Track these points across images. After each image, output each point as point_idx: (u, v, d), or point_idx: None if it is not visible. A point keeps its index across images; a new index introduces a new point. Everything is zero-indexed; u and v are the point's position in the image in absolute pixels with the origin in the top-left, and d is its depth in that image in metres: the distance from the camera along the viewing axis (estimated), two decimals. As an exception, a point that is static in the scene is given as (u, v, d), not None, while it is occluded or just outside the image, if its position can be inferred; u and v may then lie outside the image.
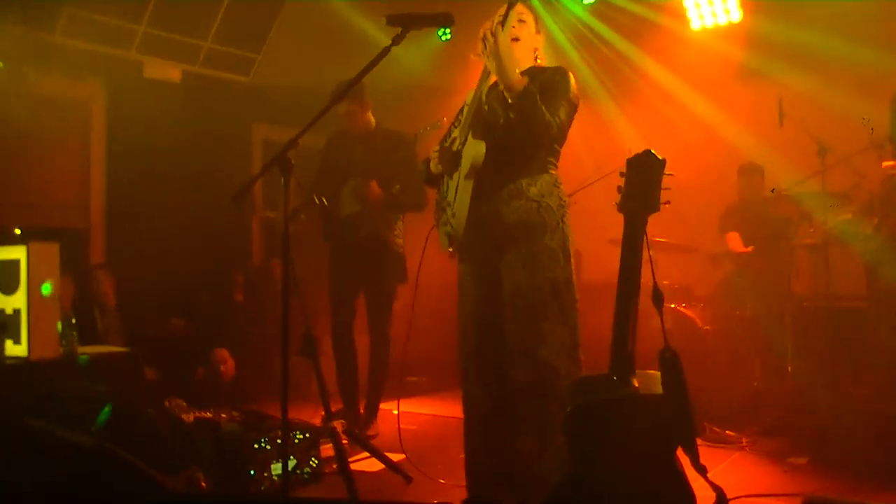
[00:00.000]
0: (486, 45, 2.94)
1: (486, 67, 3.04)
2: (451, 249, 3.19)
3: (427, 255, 3.36)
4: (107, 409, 3.15)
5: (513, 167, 3.07)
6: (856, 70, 5.38)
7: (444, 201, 3.22)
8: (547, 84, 3.06)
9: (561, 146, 3.18)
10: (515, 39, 3.14)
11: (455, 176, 3.13)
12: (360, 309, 5.07)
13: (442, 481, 3.74)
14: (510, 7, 3.08)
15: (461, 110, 3.30)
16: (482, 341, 3.15)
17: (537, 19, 3.30)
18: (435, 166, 3.26)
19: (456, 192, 3.10)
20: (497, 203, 3.06)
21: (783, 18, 5.90)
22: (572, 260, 3.09)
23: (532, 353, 2.95)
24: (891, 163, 4.16)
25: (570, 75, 3.13)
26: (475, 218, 3.04)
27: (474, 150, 3.02)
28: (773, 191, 5.21)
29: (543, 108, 2.92)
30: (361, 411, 5.00)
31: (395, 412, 5.55)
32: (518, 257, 3.01)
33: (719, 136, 6.17)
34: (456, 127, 3.28)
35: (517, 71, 2.95)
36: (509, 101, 2.94)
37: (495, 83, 3.11)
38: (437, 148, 3.29)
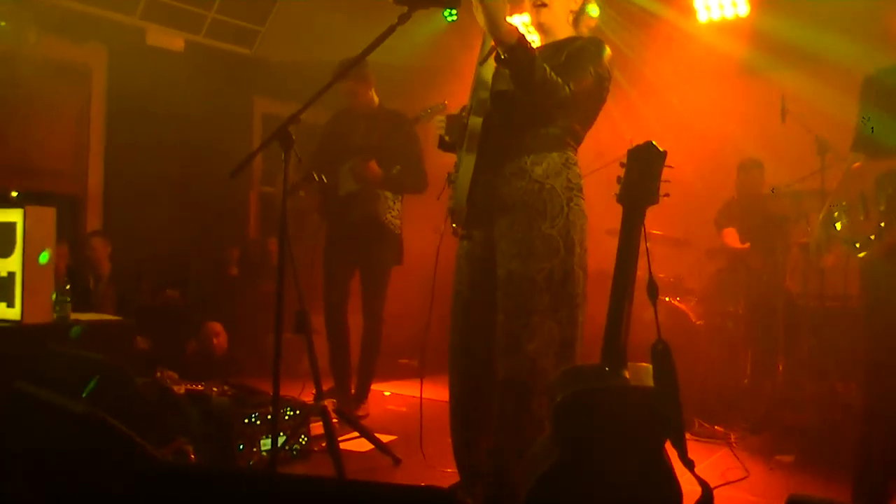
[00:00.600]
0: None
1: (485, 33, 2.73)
2: (454, 225, 2.95)
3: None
4: (94, 379, 3.15)
5: (515, 140, 2.82)
6: (860, 69, 5.36)
7: (452, 175, 2.99)
8: (574, 52, 2.80)
9: (583, 125, 2.92)
10: (542, 5, 2.90)
11: (461, 149, 2.93)
12: (354, 288, 5.07)
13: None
14: None
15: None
16: (470, 330, 2.96)
17: None
18: (445, 133, 3.07)
19: (459, 166, 2.92)
20: (498, 182, 2.82)
21: (790, 15, 5.87)
22: (578, 250, 2.81)
23: (518, 347, 2.75)
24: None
25: (605, 46, 2.84)
26: (476, 196, 2.83)
27: (472, 123, 2.85)
28: (773, 190, 5.21)
29: (546, 66, 2.62)
30: (353, 391, 5.01)
31: (387, 393, 5.59)
32: (513, 243, 2.79)
33: (720, 131, 6.15)
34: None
35: (504, 19, 2.58)
36: (502, 56, 2.60)
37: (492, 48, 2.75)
38: (441, 116, 3.13)
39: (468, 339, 2.96)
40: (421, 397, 3.42)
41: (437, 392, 5.70)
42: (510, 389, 2.79)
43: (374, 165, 4.75)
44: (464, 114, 3.00)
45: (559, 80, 2.65)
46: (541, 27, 3.01)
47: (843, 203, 3.34)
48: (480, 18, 2.61)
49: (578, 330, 2.82)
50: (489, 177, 2.83)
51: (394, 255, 4.98)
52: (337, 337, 4.96)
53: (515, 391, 2.76)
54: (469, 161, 2.84)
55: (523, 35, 2.62)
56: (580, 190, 2.86)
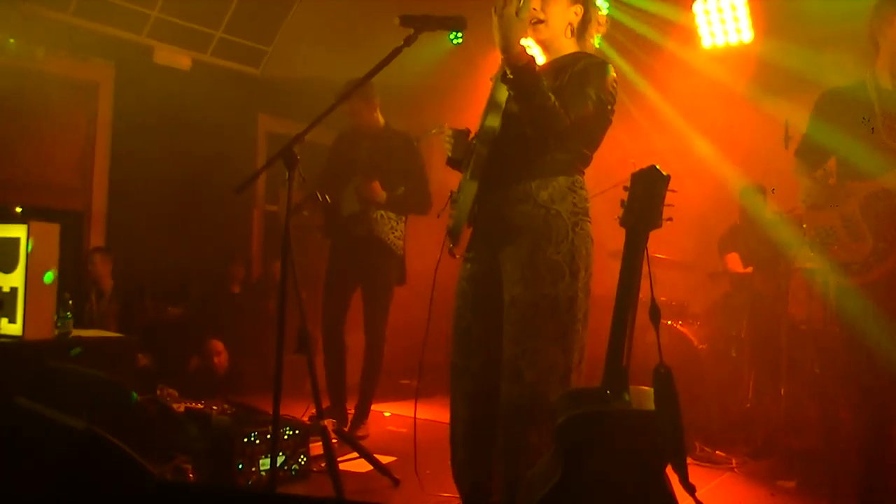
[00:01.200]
0: (495, 19, 2.62)
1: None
2: (450, 245, 2.85)
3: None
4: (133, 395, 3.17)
5: (522, 164, 2.78)
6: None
7: (454, 194, 2.93)
8: (576, 75, 2.76)
9: (590, 148, 2.88)
10: (539, 21, 2.87)
11: (467, 170, 2.88)
12: (355, 308, 5.06)
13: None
14: None
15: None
16: (472, 353, 2.91)
17: None
18: (448, 149, 3.05)
19: (461, 187, 2.88)
20: (503, 205, 2.79)
21: (793, 40, 5.89)
22: (582, 275, 2.76)
23: (520, 373, 2.69)
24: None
25: (609, 68, 2.81)
26: (480, 219, 2.85)
27: (478, 147, 2.83)
28: (773, 190, 5.20)
29: (551, 95, 2.61)
30: (349, 410, 4.99)
31: (387, 414, 5.57)
32: (518, 268, 2.74)
33: (724, 156, 6.17)
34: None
35: (518, 41, 2.59)
36: (509, 76, 2.62)
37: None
38: (442, 126, 3.12)
39: (470, 361, 2.91)
40: (415, 418, 3.36)
41: (435, 413, 5.71)
42: (510, 416, 2.74)
43: (377, 186, 4.76)
44: (472, 137, 3.00)
45: (560, 110, 2.63)
46: (542, 44, 2.99)
47: (828, 227, 3.37)
48: (496, 36, 2.62)
49: (577, 354, 2.76)
50: (494, 200, 2.81)
51: (396, 275, 4.98)
52: (333, 354, 4.94)
53: (515, 418, 2.71)
54: (472, 186, 2.82)
55: (534, 59, 2.62)
56: (586, 213, 2.81)
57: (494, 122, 2.82)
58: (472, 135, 3.02)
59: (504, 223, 2.79)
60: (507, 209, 2.78)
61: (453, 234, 2.84)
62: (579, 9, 2.91)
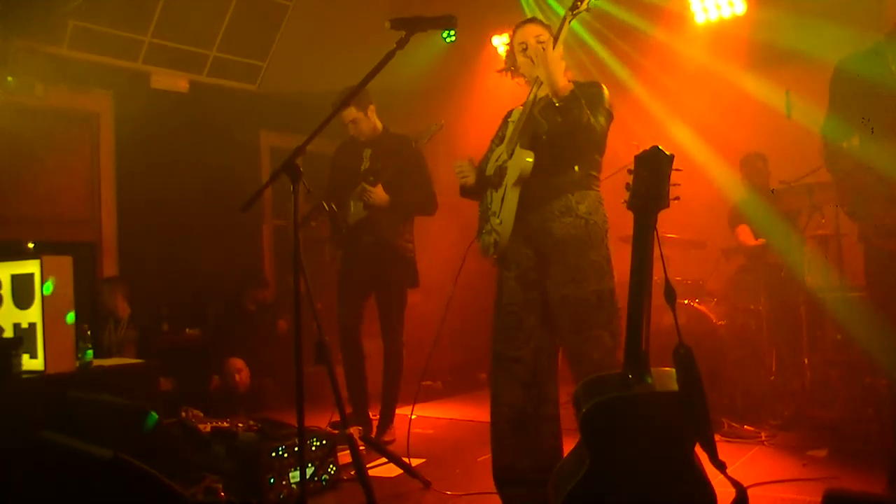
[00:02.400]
0: (535, 57, 3.22)
1: (534, 83, 3.28)
2: (495, 256, 3.38)
3: (441, 260, 3.39)
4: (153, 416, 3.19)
5: (560, 179, 3.22)
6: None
7: (488, 211, 3.38)
8: (585, 95, 3.16)
9: (601, 156, 3.36)
10: (554, 38, 3.28)
11: (501, 188, 3.29)
12: (372, 314, 5.07)
13: (448, 493, 3.75)
14: (522, 26, 3.40)
15: (502, 127, 3.52)
16: (520, 343, 3.31)
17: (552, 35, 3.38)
18: (463, 178, 3.46)
19: (502, 202, 3.26)
20: (547, 217, 3.22)
21: (787, 9, 5.87)
22: (613, 271, 3.24)
23: (586, 356, 3.12)
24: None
25: (604, 87, 3.32)
26: (524, 227, 3.25)
27: (522, 160, 3.17)
28: (773, 191, 5.19)
29: (588, 111, 3.09)
30: (372, 415, 5.00)
31: (412, 416, 5.58)
32: (567, 270, 3.16)
33: (727, 130, 6.14)
34: (497, 144, 3.47)
35: (563, 75, 3.12)
36: (557, 104, 3.10)
37: (540, 98, 3.27)
38: (459, 162, 3.48)
39: (521, 352, 3.32)
40: (410, 418, 3.37)
41: (461, 412, 5.72)
42: None
43: (379, 190, 4.76)
44: (492, 157, 3.41)
45: (594, 120, 3.12)
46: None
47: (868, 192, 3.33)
48: (541, 73, 3.13)
49: (619, 337, 3.11)
50: (538, 211, 3.24)
51: (408, 278, 4.98)
52: (351, 360, 4.95)
53: None
54: (513, 195, 3.22)
55: (573, 85, 3.12)
56: (608, 223, 3.31)
57: (528, 154, 3.19)
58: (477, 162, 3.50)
59: (551, 235, 3.22)
60: (551, 223, 3.22)
61: (500, 245, 3.29)
62: (560, 50, 3.30)
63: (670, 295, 2.53)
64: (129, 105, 6.68)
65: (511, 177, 3.22)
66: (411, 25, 2.91)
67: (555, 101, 3.10)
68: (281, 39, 7.41)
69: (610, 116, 3.27)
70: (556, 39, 3.21)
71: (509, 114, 3.54)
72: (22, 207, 6.14)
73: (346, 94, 3.66)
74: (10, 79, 5.78)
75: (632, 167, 2.52)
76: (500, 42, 7.53)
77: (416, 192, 4.88)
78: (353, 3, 6.85)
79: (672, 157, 2.49)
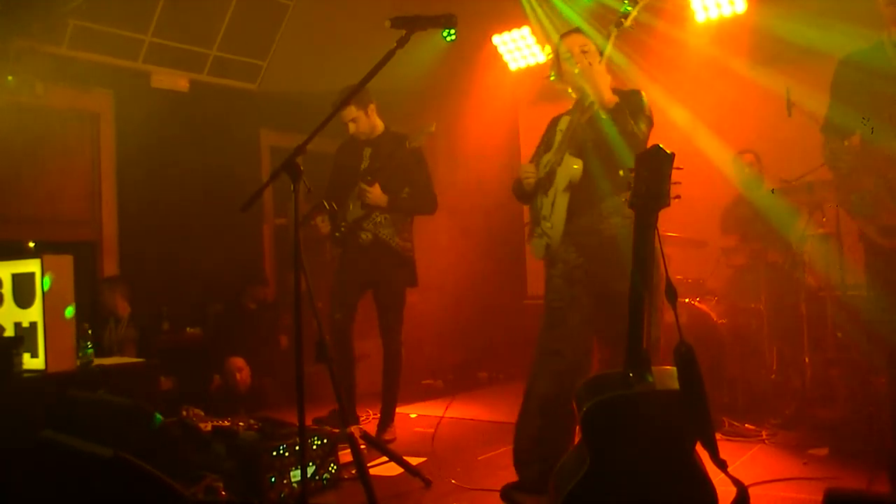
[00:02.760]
0: (583, 72, 3.40)
1: (579, 92, 3.51)
2: (546, 258, 3.57)
3: (440, 260, 3.40)
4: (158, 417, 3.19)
5: (607, 183, 3.39)
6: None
7: (539, 215, 3.59)
8: (628, 104, 3.39)
9: None
10: (600, 53, 3.54)
11: (551, 192, 3.49)
12: (372, 313, 5.06)
13: (453, 481, 3.75)
14: (567, 35, 3.62)
15: (548, 133, 3.71)
16: (564, 337, 3.44)
17: (601, 52, 3.60)
18: (528, 181, 3.61)
19: (553, 207, 3.48)
20: (596, 219, 3.42)
21: (788, 7, 5.86)
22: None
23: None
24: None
25: (644, 95, 3.53)
26: (573, 229, 3.45)
27: (571, 167, 3.39)
28: (773, 191, 5.19)
29: (632, 120, 3.30)
30: (372, 414, 4.99)
31: (413, 415, 5.58)
32: (616, 268, 3.23)
33: (727, 129, 6.14)
34: (544, 150, 3.67)
35: (608, 89, 3.35)
36: (603, 116, 3.33)
37: (586, 107, 3.48)
38: (526, 166, 3.67)
39: (562, 345, 3.43)
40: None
41: (461, 411, 5.72)
42: None
43: (376, 190, 4.77)
44: (541, 164, 3.61)
45: (636, 129, 3.32)
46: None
47: (870, 191, 3.35)
48: (588, 87, 3.38)
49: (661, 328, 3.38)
50: (588, 213, 3.43)
51: (407, 278, 4.97)
52: (340, 357, 4.92)
53: None
54: (563, 199, 3.44)
55: (618, 98, 3.34)
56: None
57: (576, 162, 3.42)
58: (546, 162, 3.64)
59: (599, 235, 3.41)
60: (600, 224, 3.42)
61: (552, 247, 3.50)
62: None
63: (671, 293, 2.53)
64: (129, 104, 6.67)
65: (560, 182, 3.43)
66: (411, 24, 2.92)
67: (601, 113, 3.35)
68: (281, 39, 7.41)
69: (650, 122, 3.46)
70: (601, 54, 3.45)
71: (556, 121, 3.70)
72: (22, 207, 6.14)
73: (347, 93, 3.66)
74: (10, 78, 5.78)
75: (633, 165, 2.52)
76: (501, 41, 7.53)
77: (415, 191, 4.89)
78: (353, 3, 6.83)
79: (673, 156, 2.49)
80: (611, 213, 3.41)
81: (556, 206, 3.46)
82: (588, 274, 3.44)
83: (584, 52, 3.52)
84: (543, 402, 3.41)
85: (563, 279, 3.49)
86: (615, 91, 3.45)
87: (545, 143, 3.71)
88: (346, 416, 3.69)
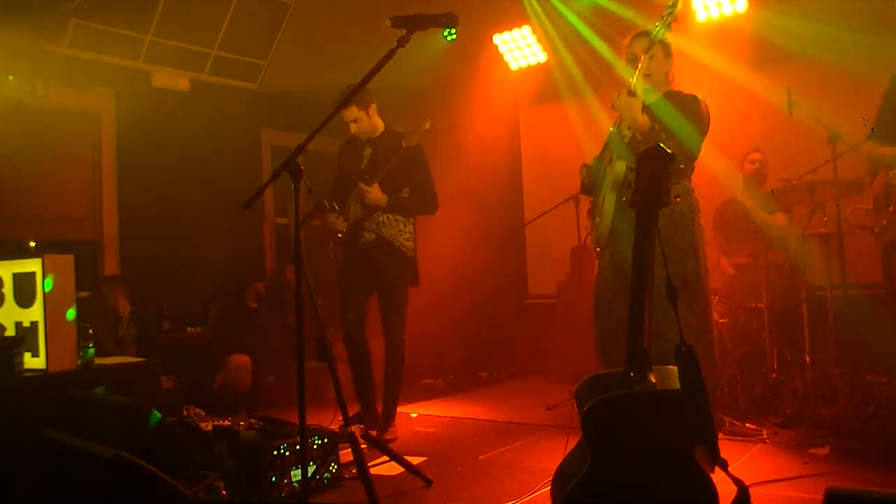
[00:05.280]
0: (615, 103, 3.80)
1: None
2: (598, 249, 3.98)
3: (441, 260, 3.41)
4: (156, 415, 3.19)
5: None
6: (862, 56, 5.35)
7: (595, 210, 4.01)
8: (679, 112, 3.80)
9: (694, 160, 3.99)
10: (647, 75, 3.90)
11: (603, 190, 3.90)
12: (375, 312, 5.07)
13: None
14: (637, 38, 4.00)
15: (610, 135, 4.11)
16: (613, 326, 3.73)
17: (664, 46, 3.97)
18: (583, 177, 4.08)
19: (602, 203, 3.86)
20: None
21: (789, 7, 5.87)
22: (701, 256, 3.81)
23: (661, 334, 3.31)
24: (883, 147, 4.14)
25: (702, 102, 3.87)
26: (621, 223, 3.78)
27: (615, 169, 3.76)
28: (773, 191, 5.20)
29: (667, 143, 3.46)
30: (379, 411, 5.00)
31: (413, 415, 5.58)
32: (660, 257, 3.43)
33: (728, 128, 6.13)
34: (606, 150, 4.10)
35: (639, 114, 3.73)
36: (638, 138, 3.75)
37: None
38: (581, 169, 4.10)
39: (614, 333, 3.72)
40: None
41: (462, 410, 5.73)
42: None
43: (375, 189, 4.77)
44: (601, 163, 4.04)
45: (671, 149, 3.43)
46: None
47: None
48: (623, 115, 3.83)
49: (706, 317, 3.71)
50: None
51: (408, 277, 4.97)
52: (357, 356, 4.94)
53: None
54: (611, 198, 3.80)
55: (651, 120, 3.77)
56: (699, 211, 3.93)
57: (620, 164, 3.78)
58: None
59: None
60: None
61: (601, 240, 3.94)
62: (671, 61, 4.07)
63: (672, 293, 2.53)
64: (130, 103, 6.68)
65: (608, 183, 3.80)
66: (412, 23, 2.92)
67: (637, 135, 3.76)
68: (282, 38, 7.41)
69: (701, 129, 3.82)
70: (634, 78, 3.77)
71: (618, 122, 4.06)
72: (23, 206, 6.14)
73: (347, 92, 3.66)
74: (11, 77, 5.79)
75: (634, 165, 2.52)
76: (502, 40, 7.53)
77: (415, 190, 4.88)
78: (354, 2, 6.84)
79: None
80: None
81: (605, 204, 3.82)
82: (628, 263, 3.53)
83: (651, 56, 3.85)
84: None
85: (610, 271, 3.85)
86: (672, 94, 3.89)
87: (608, 141, 4.12)
88: (347, 414, 3.68)
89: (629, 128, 3.91)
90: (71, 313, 3.69)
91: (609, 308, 3.79)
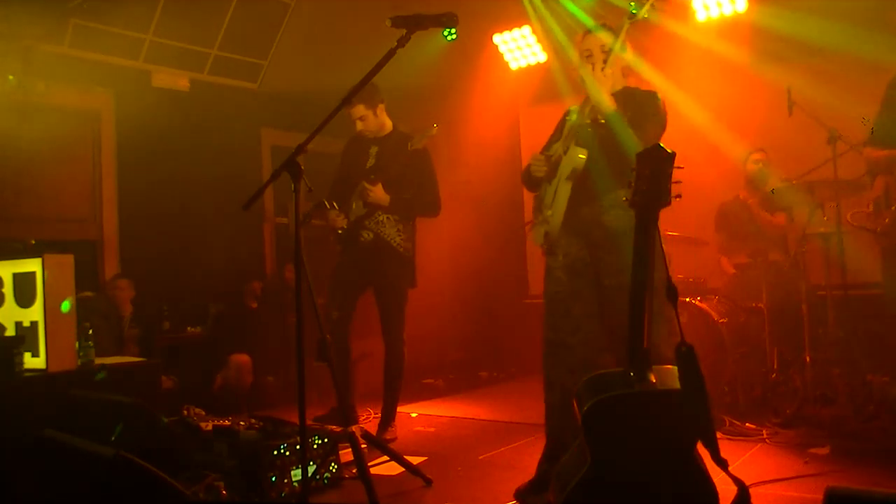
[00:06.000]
0: (584, 77, 3.40)
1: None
2: (544, 245, 3.58)
3: (441, 259, 3.40)
4: (119, 426, 3.18)
5: (611, 177, 3.36)
6: (862, 56, 5.35)
7: (542, 203, 3.62)
8: (638, 108, 3.44)
9: None
10: (605, 52, 3.47)
11: (554, 181, 3.50)
12: (372, 312, 5.06)
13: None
14: (588, 34, 3.59)
15: (561, 123, 3.73)
16: (570, 329, 3.46)
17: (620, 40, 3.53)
18: (537, 170, 3.60)
19: (555, 195, 3.48)
20: (598, 211, 3.41)
21: (789, 7, 5.86)
22: (664, 260, 3.30)
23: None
24: (881, 151, 4.14)
25: (660, 99, 3.52)
26: (576, 220, 3.45)
27: (576, 156, 3.38)
28: (772, 191, 5.19)
29: (630, 130, 3.29)
30: (373, 413, 4.98)
31: (413, 415, 5.58)
32: (620, 259, 3.21)
33: (728, 127, 6.13)
34: (556, 140, 3.68)
35: (608, 95, 3.35)
36: (601, 120, 3.37)
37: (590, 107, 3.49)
38: (536, 155, 3.64)
39: (570, 338, 3.45)
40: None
41: (462, 410, 5.73)
42: None
43: (379, 189, 4.76)
44: (550, 153, 3.62)
45: (636, 139, 3.26)
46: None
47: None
48: (589, 90, 3.38)
49: (668, 327, 3.31)
50: (590, 205, 3.42)
51: (406, 278, 4.95)
52: (337, 355, 4.90)
53: None
54: (566, 189, 3.43)
55: (622, 100, 3.36)
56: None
57: (581, 151, 3.40)
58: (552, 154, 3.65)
59: (602, 227, 3.40)
60: (603, 215, 3.40)
61: (551, 235, 3.51)
62: (626, 55, 3.62)
63: (672, 293, 2.53)
64: (130, 103, 6.67)
65: (564, 171, 3.42)
66: (412, 23, 2.91)
67: (599, 118, 3.38)
68: (282, 38, 7.41)
69: (661, 125, 3.45)
70: (604, 61, 3.41)
71: (569, 112, 3.72)
72: (23, 206, 6.14)
73: (349, 91, 3.65)
74: (11, 77, 5.78)
75: (634, 165, 2.52)
76: (502, 40, 7.53)
77: (419, 192, 4.87)
78: (354, 2, 6.84)
79: (673, 155, 2.49)
80: (613, 204, 3.38)
81: (559, 195, 3.45)
82: (590, 266, 3.45)
83: (603, 52, 3.51)
84: (564, 396, 3.38)
85: (564, 271, 3.50)
86: (629, 91, 3.53)
87: (557, 132, 3.73)
88: (347, 414, 3.69)
89: (590, 111, 3.51)
90: (66, 305, 3.68)
91: (566, 311, 3.48)
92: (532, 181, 3.73)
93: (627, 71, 3.74)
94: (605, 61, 3.41)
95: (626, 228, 3.20)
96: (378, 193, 4.77)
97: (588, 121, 3.47)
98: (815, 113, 4.77)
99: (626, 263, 3.16)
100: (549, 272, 3.58)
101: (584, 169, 3.38)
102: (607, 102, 3.34)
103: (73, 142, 6.52)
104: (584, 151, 3.37)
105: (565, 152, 3.47)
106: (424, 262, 5.11)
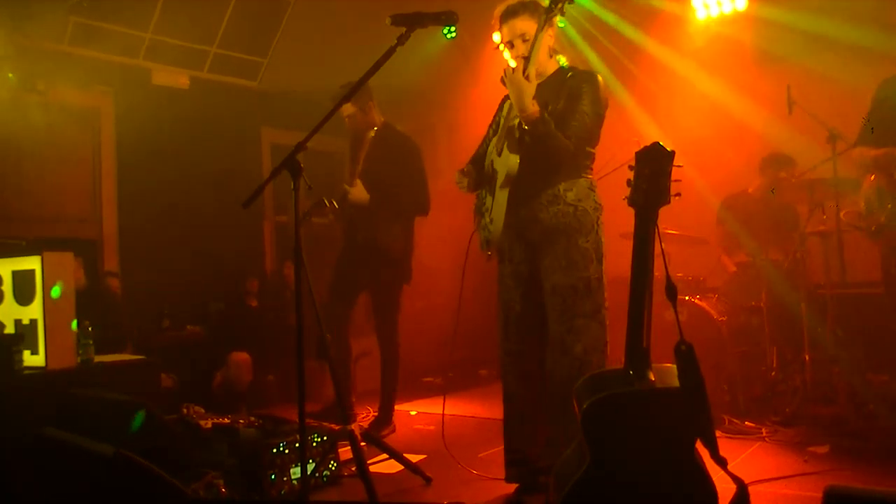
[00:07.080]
0: (506, 80, 3.13)
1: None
2: (489, 252, 3.45)
3: (440, 257, 3.40)
4: (140, 415, 3.19)
5: (546, 175, 3.25)
6: (863, 53, 5.35)
7: (482, 207, 3.48)
8: (574, 92, 3.22)
9: (593, 146, 3.35)
10: (524, 57, 3.21)
11: (495, 184, 3.34)
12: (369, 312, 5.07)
13: (474, 471, 3.80)
14: (502, 25, 3.43)
15: (498, 113, 3.60)
16: (523, 338, 3.40)
17: (539, 18, 3.24)
18: (461, 188, 3.48)
19: (493, 201, 3.35)
20: (536, 208, 3.26)
21: (788, 4, 5.86)
22: (604, 260, 3.26)
23: (568, 347, 3.15)
24: (872, 150, 4.15)
25: (598, 79, 3.27)
26: (514, 222, 3.30)
27: (508, 161, 3.22)
28: (772, 191, 5.20)
29: (558, 134, 3.10)
30: (372, 411, 4.99)
31: (413, 413, 5.58)
32: (556, 259, 3.21)
33: (728, 126, 6.14)
34: (493, 132, 3.55)
35: (530, 101, 3.06)
36: (525, 127, 3.10)
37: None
38: (458, 177, 3.49)
39: (522, 345, 3.40)
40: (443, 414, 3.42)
41: (462, 408, 5.72)
42: (562, 384, 3.10)
43: (357, 189, 4.76)
44: (489, 147, 3.50)
45: (565, 142, 3.11)
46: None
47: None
48: (511, 96, 3.13)
49: (606, 329, 3.22)
50: (527, 205, 3.27)
51: (398, 277, 4.95)
52: (335, 351, 4.90)
53: (566, 387, 2.93)
54: (503, 194, 3.27)
55: (542, 111, 3.08)
56: (602, 210, 3.31)
57: (513, 158, 3.21)
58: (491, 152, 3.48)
59: (539, 224, 3.26)
60: (540, 213, 3.26)
61: (492, 242, 3.36)
62: (552, 31, 3.37)
63: (671, 291, 2.53)
64: (129, 101, 6.67)
65: (500, 177, 3.29)
66: (412, 21, 2.92)
67: (524, 125, 3.11)
68: (282, 36, 7.39)
69: (598, 113, 3.23)
70: (527, 61, 3.14)
71: (504, 100, 3.58)
72: (23, 204, 6.14)
73: (347, 89, 3.66)
74: (10, 75, 5.78)
75: (633, 163, 2.52)
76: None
77: (405, 191, 4.86)
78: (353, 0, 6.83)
79: (673, 153, 2.48)
80: (551, 201, 3.24)
81: (496, 201, 3.32)
82: (534, 270, 3.36)
83: (524, 41, 3.30)
84: (520, 406, 3.41)
85: (512, 279, 3.45)
86: (562, 74, 3.32)
87: (495, 123, 3.59)
88: (346, 412, 3.69)
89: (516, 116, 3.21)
90: (56, 291, 3.67)
91: (516, 318, 3.41)
92: (469, 189, 3.53)
93: (553, 51, 3.45)
94: (527, 58, 3.15)
95: (562, 226, 3.22)
96: (356, 193, 4.76)
97: (516, 122, 3.20)
98: (815, 111, 4.76)
99: (560, 264, 3.19)
100: (501, 279, 3.52)
101: (518, 171, 3.21)
102: (530, 110, 3.07)
103: (72, 140, 6.52)
104: (517, 157, 3.19)
105: (499, 154, 3.33)
106: (425, 262, 5.11)
